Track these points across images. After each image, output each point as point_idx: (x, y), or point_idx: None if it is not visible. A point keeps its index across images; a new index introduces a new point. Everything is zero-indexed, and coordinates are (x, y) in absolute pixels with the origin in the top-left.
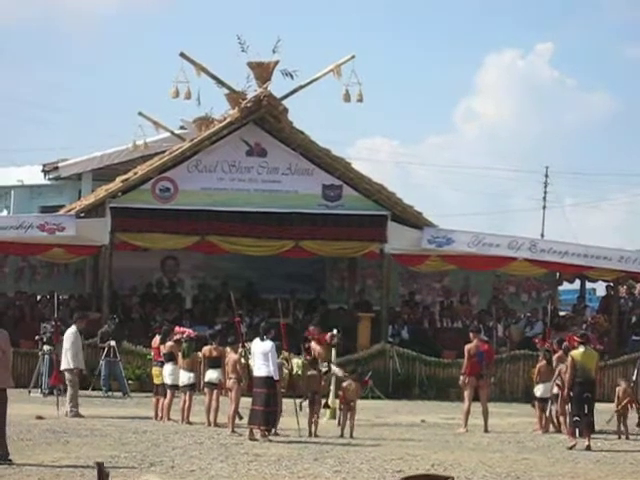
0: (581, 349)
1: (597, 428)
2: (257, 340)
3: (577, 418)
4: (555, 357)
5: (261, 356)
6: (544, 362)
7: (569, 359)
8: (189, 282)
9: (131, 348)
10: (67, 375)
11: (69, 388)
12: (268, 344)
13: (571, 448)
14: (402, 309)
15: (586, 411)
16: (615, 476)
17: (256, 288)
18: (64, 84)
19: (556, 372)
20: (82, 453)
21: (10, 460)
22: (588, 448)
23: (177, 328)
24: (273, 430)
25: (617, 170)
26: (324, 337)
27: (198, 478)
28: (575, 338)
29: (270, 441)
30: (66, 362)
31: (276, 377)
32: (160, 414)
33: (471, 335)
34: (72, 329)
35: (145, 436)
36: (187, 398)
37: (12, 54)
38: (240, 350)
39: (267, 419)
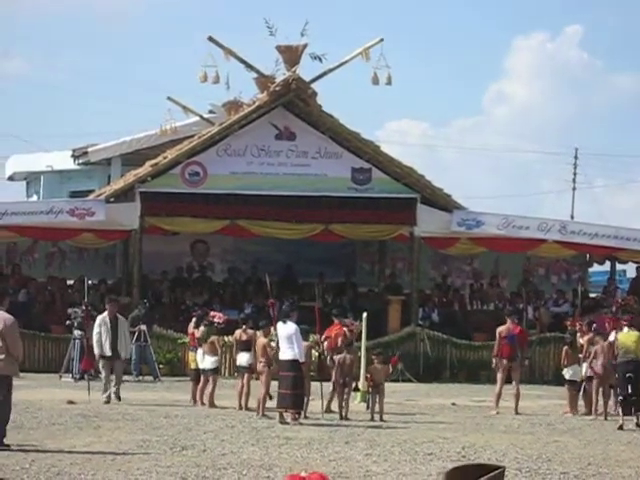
0: (625, 330)
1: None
2: (280, 324)
3: (622, 398)
4: (585, 339)
5: (285, 339)
6: (568, 345)
7: (614, 340)
8: (219, 266)
9: (162, 332)
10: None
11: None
12: (292, 327)
13: (621, 428)
14: (432, 292)
15: (630, 390)
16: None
17: (293, 271)
18: (94, 70)
19: (591, 354)
20: (114, 437)
21: (7, 445)
22: (638, 425)
23: (211, 312)
24: (303, 413)
25: None
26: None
27: (230, 462)
28: (623, 321)
29: (301, 424)
30: (124, 350)
31: (302, 359)
32: (197, 399)
33: (506, 318)
34: (122, 318)
35: (176, 420)
36: (211, 382)
37: (45, 40)
38: (271, 333)
39: (295, 402)
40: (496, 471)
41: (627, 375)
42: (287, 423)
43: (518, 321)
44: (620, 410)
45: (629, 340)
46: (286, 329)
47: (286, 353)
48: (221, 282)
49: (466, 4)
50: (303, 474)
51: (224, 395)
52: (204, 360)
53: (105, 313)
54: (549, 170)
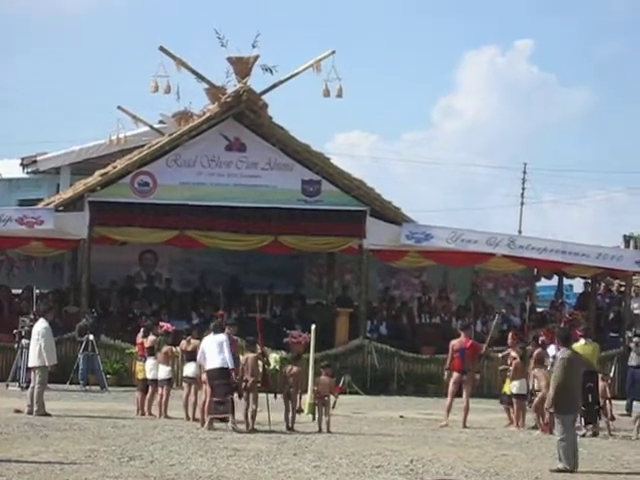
0: (582, 341)
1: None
2: (212, 334)
3: (583, 408)
4: (535, 353)
5: (216, 347)
6: (518, 358)
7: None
8: (167, 276)
9: (109, 342)
10: (39, 372)
11: (40, 385)
12: (222, 335)
13: (583, 436)
14: (380, 305)
15: (590, 400)
16: (594, 472)
17: (239, 283)
18: (43, 78)
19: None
20: (61, 447)
21: None
22: (595, 434)
23: (160, 323)
24: (230, 420)
25: (596, 167)
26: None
27: (178, 472)
28: (578, 332)
29: (234, 429)
30: (41, 359)
31: (231, 366)
32: (144, 409)
33: (460, 332)
34: (44, 323)
35: (124, 430)
36: (164, 392)
37: None
38: (259, 350)
39: (226, 409)
40: None
41: (587, 385)
42: (215, 429)
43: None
44: (582, 420)
45: (586, 351)
46: (216, 338)
47: (215, 361)
48: (169, 292)
49: (418, 17)
50: None
51: (170, 405)
52: (158, 370)
53: (44, 321)
54: (498, 185)
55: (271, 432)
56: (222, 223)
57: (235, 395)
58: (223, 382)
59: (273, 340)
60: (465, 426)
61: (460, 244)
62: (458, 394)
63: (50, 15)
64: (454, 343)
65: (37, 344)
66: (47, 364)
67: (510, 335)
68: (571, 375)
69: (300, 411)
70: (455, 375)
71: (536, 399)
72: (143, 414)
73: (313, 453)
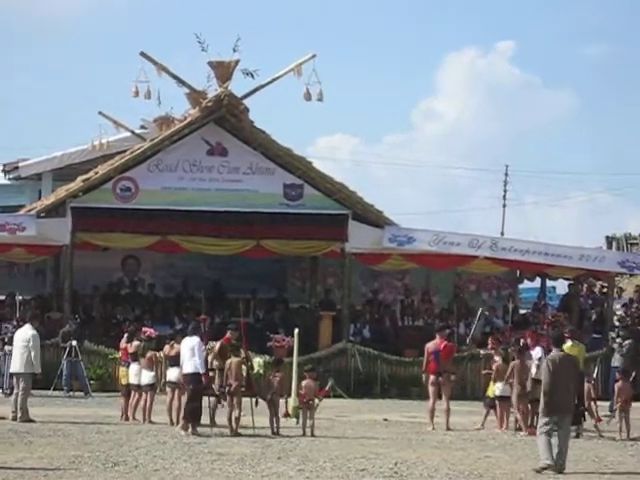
0: (569, 343)
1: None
2: (187, 337)
3: None
4: (514, 364)
5: (188, 351)
6: (501, 360)
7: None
8: (150, 281)
9: (93, 348)
10: (24, 379)
11: (24, 392)
12: (194, 339)
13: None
14: (363, 308)
15: (576, 402)
16: (578, 474)
17: (222, 288)
18: (25, 84)
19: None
20: (46, 453)
21: None
22: (577, 436)
23: (143, 328)
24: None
25: (578, 168)
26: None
27: (162, 477)
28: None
29: (200, 435)
30: (30, 366)
31: (201, 371)
32: (128, 414)
33: (436, 334)
34: (32, 330)
35: (108, 436)
36: (148, 397)
37: None
38: (243, 354)
39: (192, 413)
40: None
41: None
42: (199, 434)
43: (448, 337)
44: None
45: (573, 352)
46: (189, 342)
47: (187, 366)
48: (152, 297)
49: (398, 19)
50: None
51: (154, 411)
52: (141, 375)
53: (31, 328)
54: (480, 187)
55: (256, 436)
56: (204, 228)
57: (214, 400)
58: (193, 387)
59: (257, 344)
60: (449, 428)
61: (442, 247)
62: (441, 396)
63: (26, 21)
64: (429, 346)
65: (24, 351)
66: (38, 371)
67: (490, 339)
68: (556, 376)
69: (287, 415)
70: (431, 377)
71: (513, 396)
72: (127, 419)
73: (297, 457)
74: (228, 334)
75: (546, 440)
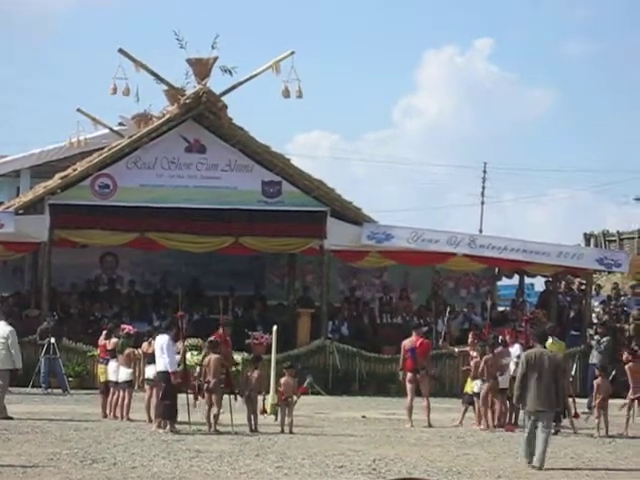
0: (550, 340)
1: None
2: (159, 335)
3: None
4: (497, 352)
5: (158, 349)
6: (479, 357)
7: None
8: (128, 278)
9: (70, 345)
10: (2, 375)
11: (1, 389)
12: (164, 337)
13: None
14: (342, 305)
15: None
16: (556, 471)
17: (200, 285)
18: (2, 79)
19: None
20: (24, 450)
21: None
22: (556, 433)
23: (122, 325)
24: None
25: (556, 166)
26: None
27: (140, 475)
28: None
29: (178, 432)
30: (10, 362)
31: (171, 370)
32: (108, 412)
33: (412, 331)
34: (9, 327)
35: (86, 433)
36: (126, 395)
37: None
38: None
39: (165, 411)
40: None
41: None
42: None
43: (425, 334)
44: None
45: (553, 349)
46: (159, 340)
47: (158, 363)
48: (132, 293)
49: (377, 17)
50: None
51: (132, 408)
52: (119, 372)
53: (6, 325)
54: (458, 184)
55: (234, 434)
56: (182, 225)
57: (192, 397)
58: (163, 385)
59: (235, 342)
60: (430, 425)
61: (421, 244)
62: (419, 393)
63: (6, 17)
64: (405, 343)
65: (1, 347)
66: (19, 367)
67: (470, 335)
68: (532, 370)
69: (264, 412)
70: (409, 375)
71: (483, 391)
72: (106, 416)
73: (275, 454)
74: (220, 330)
75: (526, 437)
